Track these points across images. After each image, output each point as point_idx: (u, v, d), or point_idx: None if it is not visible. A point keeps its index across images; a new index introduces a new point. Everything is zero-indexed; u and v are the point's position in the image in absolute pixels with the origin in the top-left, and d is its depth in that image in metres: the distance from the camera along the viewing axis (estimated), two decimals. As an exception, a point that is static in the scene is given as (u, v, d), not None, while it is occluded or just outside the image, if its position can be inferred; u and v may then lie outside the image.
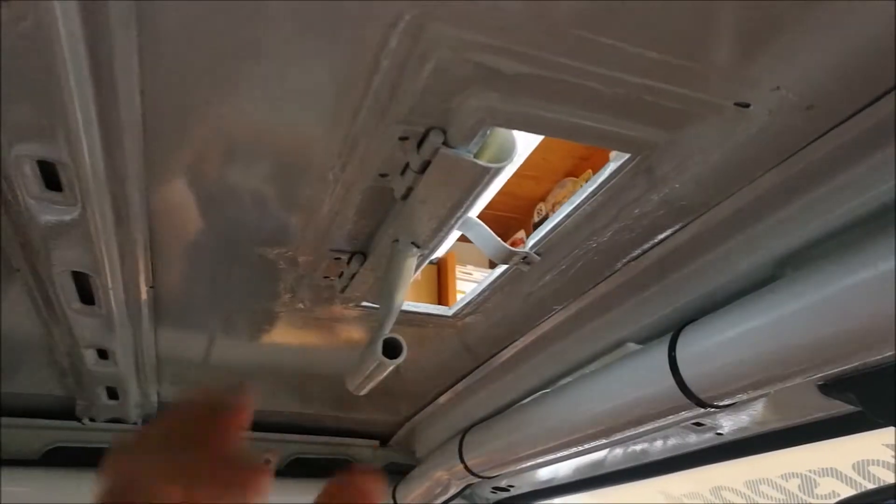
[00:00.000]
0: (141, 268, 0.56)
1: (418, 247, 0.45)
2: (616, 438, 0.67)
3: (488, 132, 0.39)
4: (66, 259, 0.54)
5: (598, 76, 0.35)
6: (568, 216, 0.48)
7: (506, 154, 0.39)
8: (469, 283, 2.00)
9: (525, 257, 0.52)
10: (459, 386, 0.84)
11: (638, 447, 0.88)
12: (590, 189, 0.46)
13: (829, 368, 0.46)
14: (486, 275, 0.95)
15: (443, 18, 0.32)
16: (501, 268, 0.56)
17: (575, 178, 1.92)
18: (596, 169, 0.80)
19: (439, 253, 0.48)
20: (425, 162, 0.40)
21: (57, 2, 0.31)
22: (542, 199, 1.95)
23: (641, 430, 0.63)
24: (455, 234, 0.48)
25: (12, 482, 0.86)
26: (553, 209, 1.00)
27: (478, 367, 0.79)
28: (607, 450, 0.89)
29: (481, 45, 0.33)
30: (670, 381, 0.56)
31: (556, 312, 0.64)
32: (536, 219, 1.94)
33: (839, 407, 0.67)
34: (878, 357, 0.43)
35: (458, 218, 0.43)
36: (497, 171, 0.39)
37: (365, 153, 0.42)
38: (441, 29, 0.33)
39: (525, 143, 0.66)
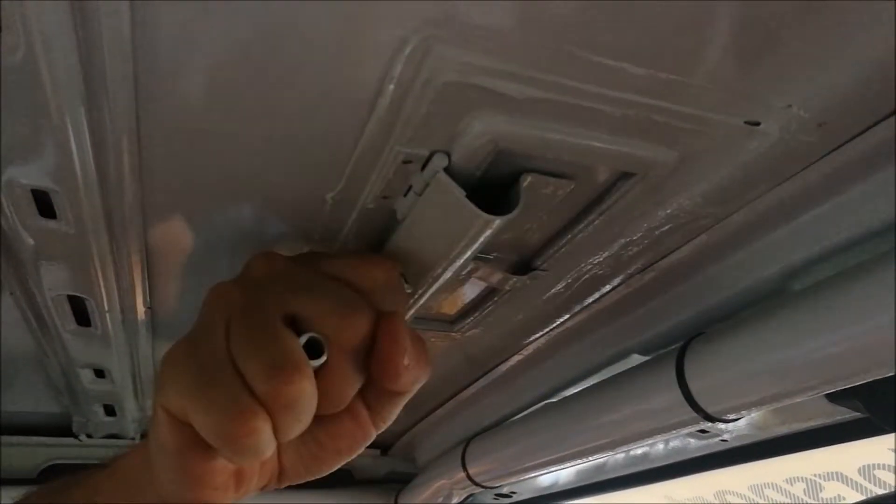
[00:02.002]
0: (137, 289, 0.55)
1: (407, 282, 0.42)
2: (621, 450, 0.66)
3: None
4: (60, 283, 0.53)
5: (607, 98, 0.34)
6: (574, 234, 0.47)
7: (508, 208, 0.38)
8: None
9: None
10: (461, 396, 0.83)
11: (639, 451, 0.88)
12: (596, 207, 0.45)
13: (842, 384, 0.45)
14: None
15: (448, 42, 0.31)
16: (505, 284, 0.55)
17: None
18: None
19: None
20: (427, 185, 0.39)
21: (47, 17, 0.30)
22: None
23: (647, 442, 0.63)
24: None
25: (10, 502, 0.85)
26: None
27: (480, 377, 0.78)
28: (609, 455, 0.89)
29: (487, 69, 0.32)
30: (677, 394, 0.55)
31: (560, 323, 0.64)
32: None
33: (845, 413, 0.66)
34: (892, 373, 0.42)
35: (453, 262, 0.40)
36: (493, 223, 0.37)
37: (366, 176, 0.41)
38: (446, 53, 0.32)
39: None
